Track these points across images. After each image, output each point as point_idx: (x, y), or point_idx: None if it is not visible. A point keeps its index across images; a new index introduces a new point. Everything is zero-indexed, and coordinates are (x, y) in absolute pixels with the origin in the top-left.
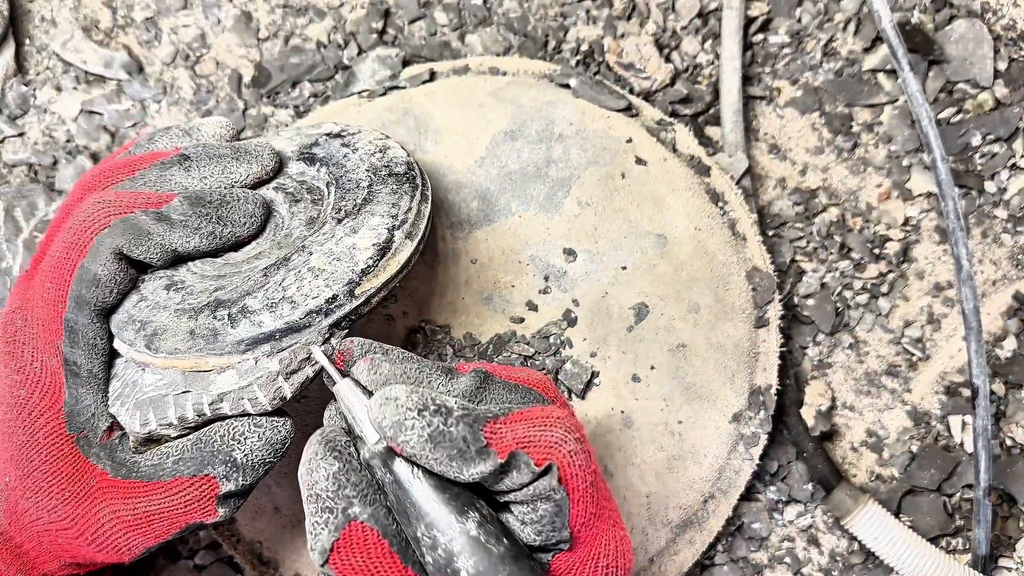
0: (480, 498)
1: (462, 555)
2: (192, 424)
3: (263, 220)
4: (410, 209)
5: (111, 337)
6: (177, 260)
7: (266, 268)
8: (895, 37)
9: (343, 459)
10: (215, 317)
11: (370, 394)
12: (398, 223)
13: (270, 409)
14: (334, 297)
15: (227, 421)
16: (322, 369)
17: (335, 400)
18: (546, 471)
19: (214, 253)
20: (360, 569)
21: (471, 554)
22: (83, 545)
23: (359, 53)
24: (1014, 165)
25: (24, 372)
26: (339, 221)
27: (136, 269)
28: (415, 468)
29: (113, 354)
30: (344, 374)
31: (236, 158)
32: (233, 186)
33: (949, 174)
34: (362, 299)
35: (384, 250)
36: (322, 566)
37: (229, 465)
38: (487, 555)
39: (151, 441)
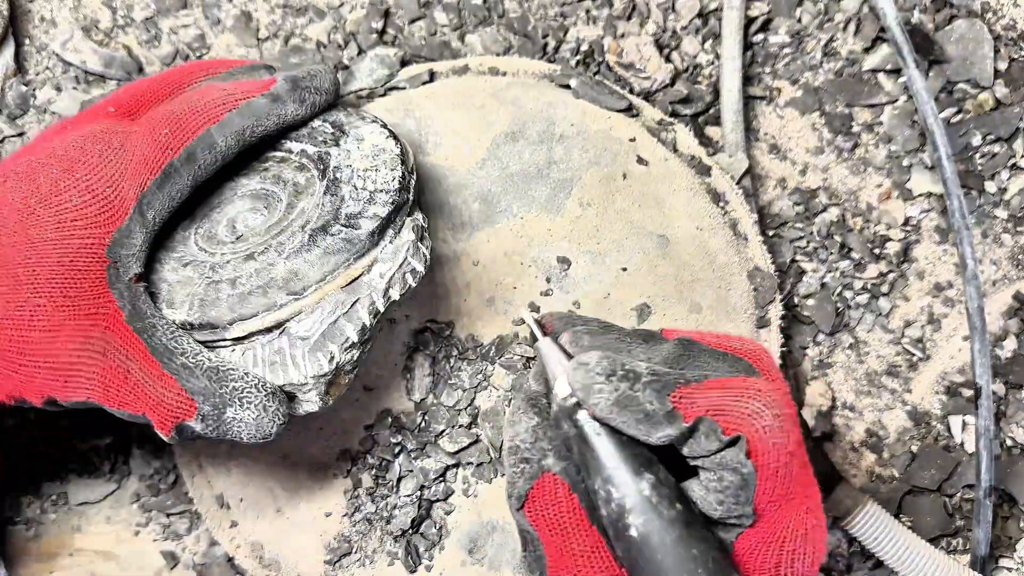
0: (670, 462)
1: (632, 512)
2: (369, 333)
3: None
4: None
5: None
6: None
7: (322, 205)
8: (901, 34)
9: (543, 415)
10: (332, 233)
11: (569, 356)
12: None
13: (424, 275)
14: (402, 176)
15: (248, 379)
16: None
17: (537, 362)
18: (734, 441)
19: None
20: (551, 519)
21: (641, 512)
22: (38, 359)
23: (359, 53)
24: (1014, 165)
25: (91, 186)
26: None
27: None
28: (600, 424)
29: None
30: (545, 333)
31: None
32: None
33: (955, 172)
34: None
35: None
36: (518, 510)
37: (214, 413)
38: (656, 515)
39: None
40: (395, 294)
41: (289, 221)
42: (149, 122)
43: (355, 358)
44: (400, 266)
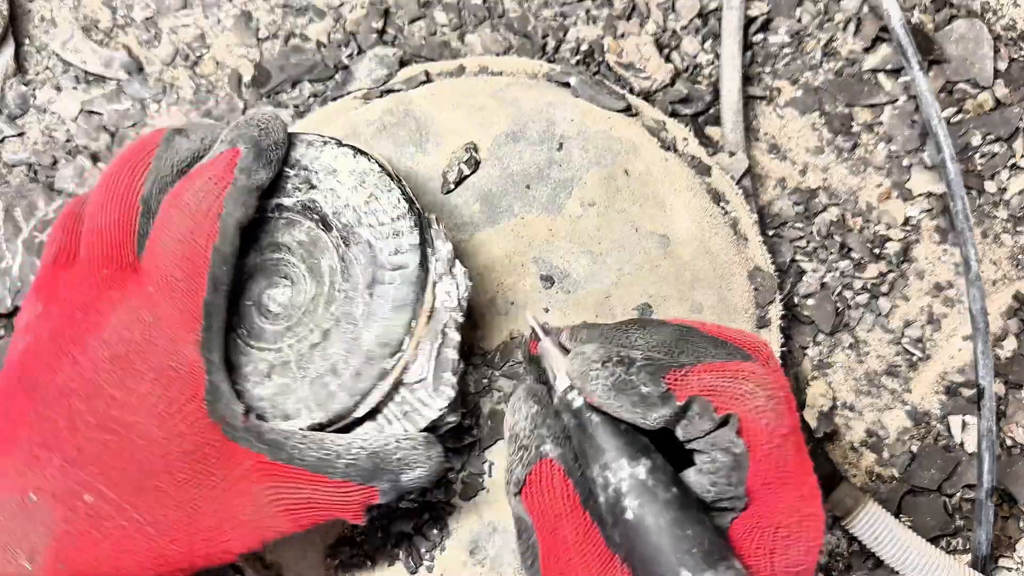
0: (666, 449)
1: (629, 495)
2: (463, 344)
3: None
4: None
5: None
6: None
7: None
8: (905, 35)
9: (541, 404)
10: (388, 282)
11: (568, 352)
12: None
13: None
14: (402, 191)
15: (402, 444)
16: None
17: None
18: (726, 421)
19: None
20: (545, 504)
21: (637, 495)
22: (226, 531)
23: (359, 53)
24: (1014, 165)
25: (158, 371)
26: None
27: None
28: (598, 413)
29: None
30: (547, 333)
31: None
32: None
33: (959, 173)
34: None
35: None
36: (515, 495)
37: (393, 485)
38: (652, 498)
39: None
40: (464, 301)
41: (329, 285)
42: (156, 278)
43: (463, 369)
44: (454, 274)
